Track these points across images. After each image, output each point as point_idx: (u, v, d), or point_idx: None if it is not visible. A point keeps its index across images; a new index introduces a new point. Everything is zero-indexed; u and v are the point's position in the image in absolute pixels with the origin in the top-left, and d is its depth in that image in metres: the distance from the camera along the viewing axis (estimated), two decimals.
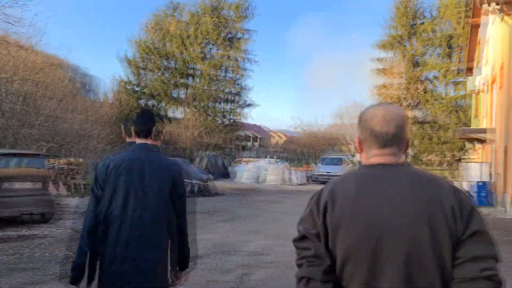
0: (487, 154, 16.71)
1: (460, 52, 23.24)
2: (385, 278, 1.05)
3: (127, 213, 1.90)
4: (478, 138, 14.64)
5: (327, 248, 1.12)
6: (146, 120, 2.14)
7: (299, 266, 1.16)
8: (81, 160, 14.31)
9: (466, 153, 22.92)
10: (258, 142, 46.37)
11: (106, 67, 79.49)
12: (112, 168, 1.97)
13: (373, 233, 1.07)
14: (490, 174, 15.24)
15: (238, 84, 31.07)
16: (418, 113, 24.47)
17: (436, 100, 22.91)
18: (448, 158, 23.72)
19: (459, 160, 23.71)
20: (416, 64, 24.26)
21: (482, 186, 12.71)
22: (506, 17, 11.25)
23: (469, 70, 18.88)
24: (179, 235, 2.04)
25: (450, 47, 23.04)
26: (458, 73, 19.22)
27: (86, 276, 1.96)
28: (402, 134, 1.18)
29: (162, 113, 30.02)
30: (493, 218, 10.49)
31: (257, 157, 30.58)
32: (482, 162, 15.96)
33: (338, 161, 22.13)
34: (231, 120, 31.58)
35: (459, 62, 18.58)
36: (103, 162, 2.22)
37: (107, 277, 1.91)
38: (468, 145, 17.11)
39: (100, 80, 34.33)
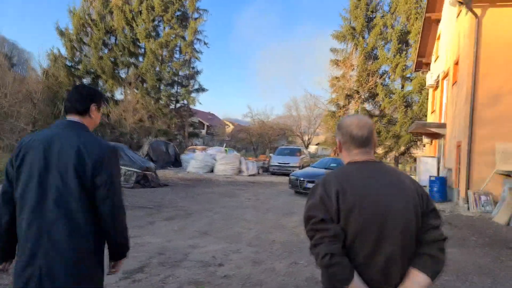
0: (434, 149, 16.99)
1: (408, 49, 23.69)
2: (388, 245, 1.45)
3: (26, 195, 1.76)
4: (437, 133, 14.62)
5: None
6: (73, 96, 1.95)
7: (318, 244, 1.43)
8: None
9: (411, 148, 23.55)
10: (209, 130, 44.54)
11: (46, 42, 71.91)
12: (24, 144, 1.83)
13: (379, 214, 1.45)
14: (438, 169, 15.46)
15: (188, 66, 28.99)
16: (367, 107, 24.62)
17: (386, 95, 23.09)
18: (394, 152, 24.21)
19: (403, 154, 24.35)
20: (369, 58, 24.28)
21: (435, 181, 12.58)
22: (474, 9, 10.99)
23: (426, 65, 19.04)
24: (103, 222, 1.81)
25: (401, 42, 23.28)
26: (415, 70, 19.28)
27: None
28: (373, 136, 1.61)
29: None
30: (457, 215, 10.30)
31: (207, 146, 29.08)
32: (433, 156, 16.16)
33: (295, 152, 21.39)
34: (183, 105, 29.48)
35: (416, 57, 18.57)
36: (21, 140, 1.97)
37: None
38: (425, 140, 17.22)
39: (33, 56, 30.15)
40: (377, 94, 23.80)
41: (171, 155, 20.98)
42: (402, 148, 23.19)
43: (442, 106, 16.01)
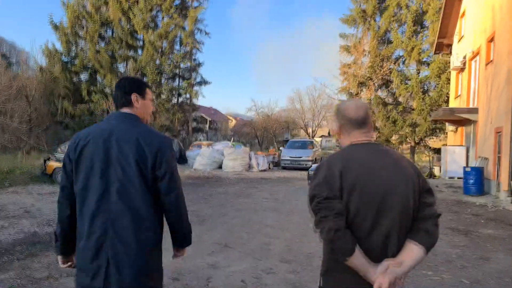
0: (461, 137, 15.68)
1: (425, 30, 22.23)
2: (387, 222, 1.53)
3: (88, 189, 1.73)
4: (467, 119, 13.29)
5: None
6: (115, 90, 1.94)
7: (323, 221, 1.49)
8: None
9: (426, 138, 22.15)
10: (211, 125, 43.39)
11: (40, 38, 70.57)
12: (80, 137, 1.80)
13: (379, 192, 1.53)
14: (467, 159, 14.15)
15: (189, 58, 27.56)
16: (381, 94, 23.18)
17: (402, 81, 21.66)
18: (411, 142, 22.84)
19: (418, 144, 22.99)
20: (381, 42, 22.83)
21: (470, 172, 11.27)
22: None
23: (447, 47, 17.62)
24: (168, 213, 1.83)
25: (417, 23, 21.79)
26: (435, 52, 17.83)
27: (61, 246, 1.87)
28: (369, 118, 1.68)
29: (98, 88, 25.86)
30: (503, 210, 9.02)
31: (211, 141, 27.88)
32: (461, 145, 14.84)
33: (307, 145, 20.07)
34: (186, 99, 28.16)
35: (437, 38, 17.13)
36: (76, 134, 1.92)
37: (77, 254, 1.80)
38: (450, 127, 15.86)
39: (29, 54, 28.79)
40: (392, 81, 22.37)
41: (176, 152, 19.67)
42: (420, 137, 21.79)
43: (471, 89, 14.67)
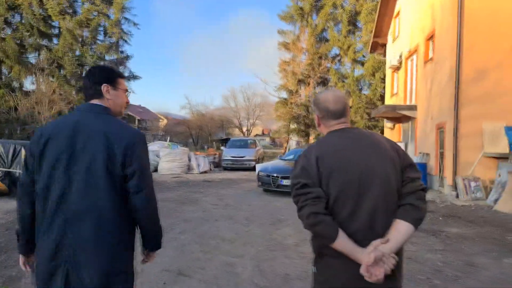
0: (398, 133, 16.13)
1: (358, 31, 22.83)
2: (369, 200, 1.54)
3: (50, 186, 1.63)
4: (406, 116, 13.54)
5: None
6: (87, 78, 1.81)
7: (303, 207, 1.52)
8: None
9: None
10: (140, 125, 40.56)
11: None
12: (45, 132, 1.69)
13: (358, 172, 1.55)
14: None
15: (115, 50, 24.94)
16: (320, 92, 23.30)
17: (339, 79, 21.96)
18: None
19: None
20: (319, 40, 22.91)
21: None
22: None
23: (381, 46, 18.06)
24: (136, 213, 1.71)
25: (351, 23, 22.27)
26: (370, 51, 18.19)
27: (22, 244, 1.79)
28: (347, 108, 1.75)
29: (4, 81, 22.08)
30: (449, 205, 9.05)
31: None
32: (399, 141, 15.19)
33: (250, 144, 19.16)
34: None
35: (372, 38, 17.43)
36: (39, 128, 1.85)
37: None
38: (388, 124, 16.18)
39: None
40: (330, 79, 22.60)
41: None
42: None
43: (407, 87, 15.10)
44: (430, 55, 12.37)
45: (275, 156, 24.95)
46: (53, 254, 1.60)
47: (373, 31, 18.12)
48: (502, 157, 9.74)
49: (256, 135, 52.70)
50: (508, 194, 8.52)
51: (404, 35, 15.21)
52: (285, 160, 11.90)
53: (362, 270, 1.45)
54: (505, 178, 8.91)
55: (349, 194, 1.52)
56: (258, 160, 18.28)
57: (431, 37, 12.30)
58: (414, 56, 14.17)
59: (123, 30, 25.43)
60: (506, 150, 9.81)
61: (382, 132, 19.86)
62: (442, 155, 11.20)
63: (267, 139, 56.67)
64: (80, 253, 1.59)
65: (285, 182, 9.92)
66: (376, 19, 17.68)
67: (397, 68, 16.11)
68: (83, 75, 1.68)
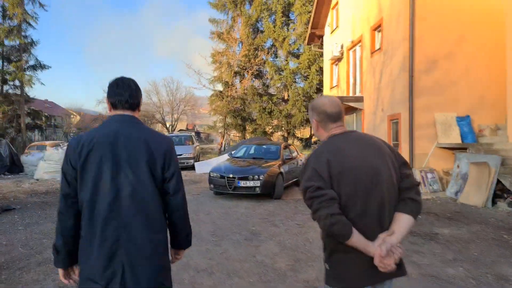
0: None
1: (291, 22, 22.37)
2: (377, 197, 1.65)
3: (98, 195, 1.66)
4: (352, 107, 13.24)
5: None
6: (123, 89, 1.81)
7: (319, 209, 1.58)
8: None
9: (304, 127, 22.57)
10: (48, 121, 35.59)
11: None
12: (84, 143, 1.70)
13: (366, 171, 1.65)
14: None
15: (18, 34, 20.83)
16: (256, 84, 22.40)
17: (276, 71, 21.28)
18: (283, 132, 22.89)
19: (289, 133, 23.34)
20: (254, 31, 21.91)
21: None
22: None
23: (318, 38, 17.72)
24: (173, 213, 1.82)
25: (285, 14, 21.69)
26: (308, 43, 17.75)
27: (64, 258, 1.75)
28: (342, 112, 1.83)
29: None
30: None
31: (49, 140, 22.22)
32: None
33: (186, 140, 17.31)
34: (14, 88, 21.30)
35: (310, 29, 16.97)
36: (74, 138, 1.79)
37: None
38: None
39: None
40: (266, 72, 21.82)
41: (4, 157, 14.48)
42: (294, 127, 21.97)
43: (350, 79, 14.94)
44: (377, 45, 12.19)
45: (213, 152, 23.51)
46: (109, 261, 1.63)
47: (311, 23, 17.73)
48: (454, 148, 9.81)
49: (180, 130, 50.40)
50: (471, 186, 8.44)
51: (345, 25, 14.99)
52: (236, 157, 10.67)
53: (377, 262, 1.56)
54: (465, 170, 8.88)
55: (359, 193, 1.63)
56: (198, 158, 16.73)
57: (378, 27, 12.10)
58: (358, 47, 13.98)
59: (26, 11, 21.43)
60: (458, 140, 9.92)
61: None
62: (396, 147, 11.05)
63: (193, 134, 54.66)
64: (137, 257, 1.64)
65: (243, 183, 8.73)
66: (314, 10, 17.28)
67: (338, 60, 15.89)
68: (119, 81, 1.50)
